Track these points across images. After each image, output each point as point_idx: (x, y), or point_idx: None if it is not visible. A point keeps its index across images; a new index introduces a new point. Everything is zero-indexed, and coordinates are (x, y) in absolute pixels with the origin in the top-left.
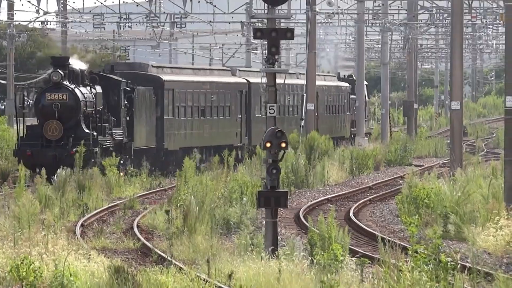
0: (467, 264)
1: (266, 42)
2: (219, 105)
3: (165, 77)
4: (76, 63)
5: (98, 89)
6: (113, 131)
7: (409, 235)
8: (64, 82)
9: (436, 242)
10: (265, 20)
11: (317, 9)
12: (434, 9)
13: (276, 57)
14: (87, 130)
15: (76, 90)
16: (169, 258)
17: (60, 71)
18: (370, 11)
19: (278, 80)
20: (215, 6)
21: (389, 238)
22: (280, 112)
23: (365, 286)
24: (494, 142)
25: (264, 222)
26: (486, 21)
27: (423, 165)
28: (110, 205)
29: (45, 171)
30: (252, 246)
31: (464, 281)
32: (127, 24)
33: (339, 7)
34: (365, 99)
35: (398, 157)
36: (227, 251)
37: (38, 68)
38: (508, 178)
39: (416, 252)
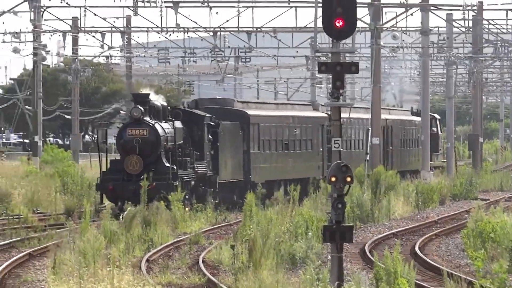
0: None
1: (330, 76)
2: (302, 138)
3: (250, 112)
4: (158, 99)
5: (178, 124)
6: (195, 165)
7: (475, 270)
8: (145, 118)
9: (502, 276)
10: (330, 54)
11: (381, 43)
12: (499, 42)
13: (341, 91)
14: (167, 164)
15: (157, 125)
16: None
17: (140, 107)
18: (435, 45)
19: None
20: (279, 40)
21: (455, 273)
22: (346, 147)
23: None
24: None
25: (329, 257)
26: None
27: (489, 199)
28: (175, 240)
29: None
30: (318, 281)
31: None
32: (191, 58)
33: (403, 40)
34: (438, 133)
35: (463, 191)
36: (293, 286)
37: (102, 103)
38: None
39: (482, 286)
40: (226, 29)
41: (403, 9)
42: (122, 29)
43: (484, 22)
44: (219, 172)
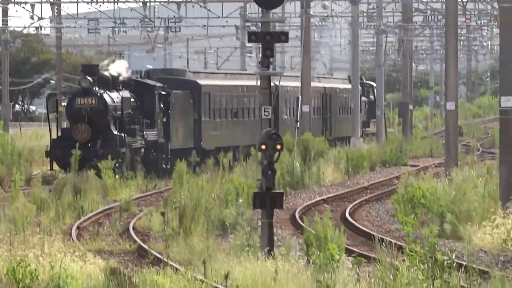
0: (463, 263)
1: (260, 46)
2: (250, 107)
3: (201, 82)
4: (114, 69)
5: (126, 93)
6: (145, 133)
7: (405, 234)
8: (94, 88)
9: (432, 241)
10: (260, 24)
11: (311, 12)
12: (429, 11)
13: (271, 60)
14: (115, 132)
15: (105, 95)
16: (165, 259)
17: (89, 77)
18: (365, 14)
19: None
20: (209, 10)
21: (385, 237)
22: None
23: (362, 285)
24: (489, 142)
25: (260, 223)
26: (480, 23)
27: (419, 165)
28: (106, 207)
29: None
30: (248, 247)
31: (460, 280)
32: (122, 29)
33: (333, 10)
34: (375, 100)
35: (393, 157)
36: (223, 252)
37: (33, 73)
38: (504, 178)
39: (412, 251)
40: (156, 0)
41: None
42: (52, 0)
43: None
44: (171, 139)
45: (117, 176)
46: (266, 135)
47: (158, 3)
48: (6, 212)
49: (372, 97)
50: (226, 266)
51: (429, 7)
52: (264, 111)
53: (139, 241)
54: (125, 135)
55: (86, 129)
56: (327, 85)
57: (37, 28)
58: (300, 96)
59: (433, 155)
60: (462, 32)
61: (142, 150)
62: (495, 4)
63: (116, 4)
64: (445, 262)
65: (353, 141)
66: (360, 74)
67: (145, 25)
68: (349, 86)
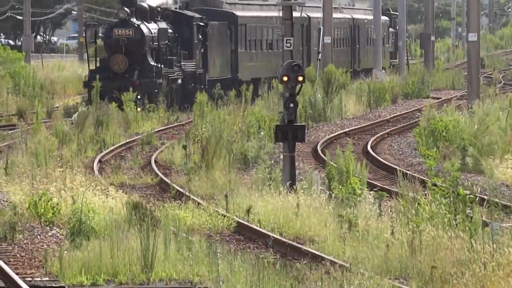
0: (485, 197)
1: None
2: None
3: (238, 13)
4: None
5: (163, 24)
6: (183, 63)
7: (427, 168)
8: (131, 19)
9: (454, 175)
10: None
11: None
12: None
13: None
14: (152, 63)
15: (142, 25)
16: (187, 193)
17: (126, 8)
18: None
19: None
20: None
21: (407, 172)
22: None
23: (383, 220)
24: (511, 74)
25: (281, 156)
26: None
27: (441, 98)
28: (127, 140)
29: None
30: (270, 181)
31: (482, 214)
32: None
33: None
34: (395, 31)
35: (415, 89)
36: (245, 186)
37: (54, 3)
38: None
39: (435, 185)
40: None
41: None
42: None
43: None
44: (208, 70)
45: (139, 109)
46: (287, 66)
47: None
48: (28, 145)
49: (392, 28)
50: (248, 200)
51: None
52: (286, 42)
53: (161, 175)
54: (162, 66)
55: (123, 60)
56: (355, 16)
57: None
58: (321, 27)
59: (455, 87)
60: None
61: (179, 80)
62: None
63: None
64: (467, 196)
65: (375, 73)
66: (386, 4)
67: None
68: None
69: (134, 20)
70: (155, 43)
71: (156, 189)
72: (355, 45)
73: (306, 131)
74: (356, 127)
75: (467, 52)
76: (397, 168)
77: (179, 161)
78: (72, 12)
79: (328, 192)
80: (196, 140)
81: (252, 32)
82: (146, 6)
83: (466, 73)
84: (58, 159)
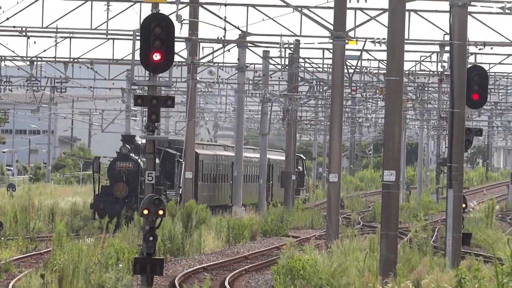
0: None
1: (146, 109)
2: (223, 173)
3: (199, 151)
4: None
5: (156, 160)
6: (168, 192)
7: None
8: (131, 154)
9: None
10: (146, 87)
11: (198, 78)
12: (315, 81)
13: (156, 124)
14: None
15: (139, 160)
16: None
17: (127, 145)
18: (251, 81)
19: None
20: (96, 72)
21: None
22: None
23: None
24: (370, 215)
25: None
26: (366, 95)
27: (300, 236)
28: None
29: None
30: None
31: None
32: (7, 87)
33: (220, 76)
34: (304, 171)
35: (274, 227)
36: None
37: None
38: (384, 252)
39: None
40: (43, 59)
41: (220, 45)
42: None
43: (300, 60)
44: (182, 198)
45: None
46: (148, 200)
47: (45, 63)
48: None
49: (300, 168)
50: None
51: (315, 77)
52: (148, 176)
53: None
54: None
55: (124, 187)
56: (271, 157)
57: None
58: (183, 162)
59: (314, 226)
60: (346, 104)
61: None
62: (381, 77)
63: (3, 61)
64: None
65: (234, 210)
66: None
67: (31, 84)
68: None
69: (132, 155)
70: None
71: None
72: (269, 182)
73: (164, 264)
74: (214, 262)
75: (327, 192)
76: None
77: None
78: None
79: None
80: (54, 269)
81: (206, 167)
82: (141, 144)
83: (325, 213)
84: None
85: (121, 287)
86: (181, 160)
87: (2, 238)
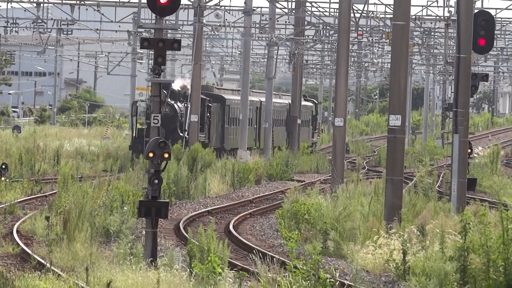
0: (346, 282)
1: (152, 52)
2: (250, 117)
3: (226, 96)
4: (178, 84)
5: (186, 105)
6: (199, 135)
7: (289, 250)
8: (167, 99)
9: (315, 258)
10: (152, 30)
11: (204, 21)
12: (321, 25)
13: (162, 67)
14: (181, 134)
15: (175, 105)
16: (47, 264)
17: (164, 91)
18: (257, 25)
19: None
20: (102, 14)
21: (268, 252)
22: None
23: None
24: (375, 160)
25: (144, 232)
26: (372, 39)
27: (305, 181)
28: None
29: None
30: (131, 256)
31: None
32: (14, 28)
33: (226, 19)
34: (316, 115)
35: (279, 171)
36: (106, 259)
37: None
38: (389, 197)
39: (295, 267)
40: (50, 1)
41: None
42: None
43: (307, 4)
44: (210, 140)
45: (2, 178)
46: (154, 143)
47: (52, 5)
48: None
49: (314, 112)
50: (109, 274)
51: (321, 21)
52: (154, 119)
53: (22, 245)
54: (188, 137)
55: (161, 131)
56: (262, 99)
57: None
58: (189, 105)
59: (319, 171)
60: (353, 48)
61: None
62: (388, 21)
63: (9, 3)
64: (328, 280)
65: (239, 153)
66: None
67: (38, 26)
68: (305, 103)
69: (169, 99)
70: (182, 118)
71: (18, 259)
72: (259, 125)
73: (169, 208)
74: (219, 206)
75: (333, 137)
76: (257, 248)
77: (42, 232)
78: None
79: (189, 269)
80: (58, 211)
81: (232, 112)
82: (177, 90)
83: (330, 157)
84: None
85: (125, 230)
86: (210, 104)
87: (7, 180)
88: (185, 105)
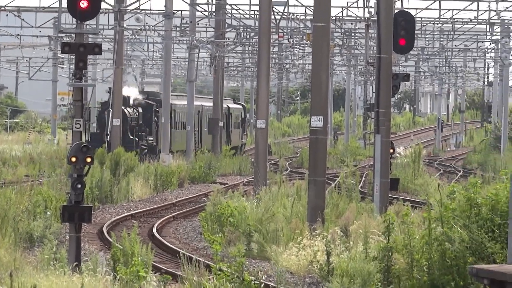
0: (270, 284)
1: (73, 57)
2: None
3: (172, 101)
4: (127, 91)
5: (140, 110)
6: (147, 138)
7: (213, 253)
8: None
9: (239, 260)
10: (73, 35)
11: (125, 25)
12: (242, 27)
13: (83, 71)
14: (131, 137)
15: (125, 110)
16: None
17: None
18: (178, 28)
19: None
20: (23, 19)
21: (193, 256)
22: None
23: None
24: (298, 161)
25: (68, 236)
26: (293, 41)
27: (228, 183)
28: None
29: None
30: (56, 261)
31: None
32: None
33: (147, 23)
34: (245, 118)
35: (202, 174)
36: (30, 265)
37: None
38: (312, 198)
39: (220, 270)
40: None
41: None
42: None
43: (227, 7)
44: (158, 143)
45: None
46: (76, 147)
47: None
48: None
49: (242, 115)
50: (33, 279)
51: (242, 24)
52: (76, 124)
53: None
54: (137, 139)
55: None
56: (204, 103)
57: None
58: (111, 110)
59: (242, 173)
60: (274, 50)
61: (146, 150)
62: (308, 23)
63: None
64: (252, 282)
65: (162, 157)
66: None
67: None
68: (235, 105)
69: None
70: (133, 123)
71: None
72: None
73: (92, 212)
74: (142, 209)
75: (255, 139)
76: (182, 251)
77: None
78: None
79: (113, 273)
80: None
81: (178, 116)
82: (126, 96)
83: (253, 159)
84: None
85: (49, 235)
86: (157, 109)
87: None
88: (134, 110)
